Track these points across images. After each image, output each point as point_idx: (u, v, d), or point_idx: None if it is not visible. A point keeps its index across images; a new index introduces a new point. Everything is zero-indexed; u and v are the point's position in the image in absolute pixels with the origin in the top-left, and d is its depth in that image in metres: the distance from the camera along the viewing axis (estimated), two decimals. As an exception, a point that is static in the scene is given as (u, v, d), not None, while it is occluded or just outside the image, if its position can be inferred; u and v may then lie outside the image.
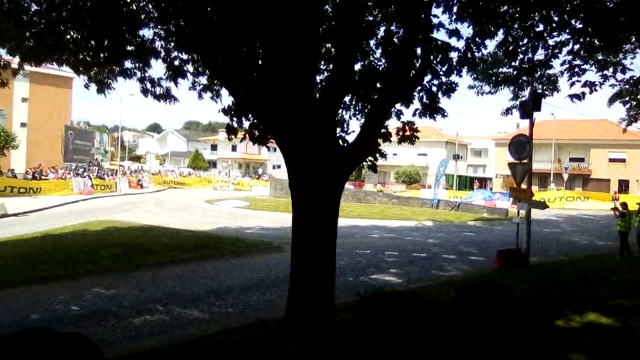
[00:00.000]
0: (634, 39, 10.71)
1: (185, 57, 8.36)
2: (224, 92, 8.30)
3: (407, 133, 6.91)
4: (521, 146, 13.02)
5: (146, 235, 16.28)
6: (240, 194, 42.52)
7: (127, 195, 37.60)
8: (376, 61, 7.34)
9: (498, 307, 1.07)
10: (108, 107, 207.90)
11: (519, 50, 8.16)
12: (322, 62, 7.62)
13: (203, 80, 8.50)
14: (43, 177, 35.54)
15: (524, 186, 13.44)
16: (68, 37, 7.80)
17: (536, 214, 18.10)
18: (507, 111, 11.89)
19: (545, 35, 8.28)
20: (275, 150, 62.29)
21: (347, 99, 7.28)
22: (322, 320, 6.17)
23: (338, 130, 7.21)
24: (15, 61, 8.71)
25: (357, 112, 7.48)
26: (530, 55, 8.79)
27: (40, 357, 0.72)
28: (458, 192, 44.04)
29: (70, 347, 0.76)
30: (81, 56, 8.07)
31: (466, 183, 55.67)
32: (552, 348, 5.56)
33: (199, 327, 7.80)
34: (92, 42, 7.76)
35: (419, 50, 6.35)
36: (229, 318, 8.40)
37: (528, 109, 12.21)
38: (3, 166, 37.21)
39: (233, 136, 7.39)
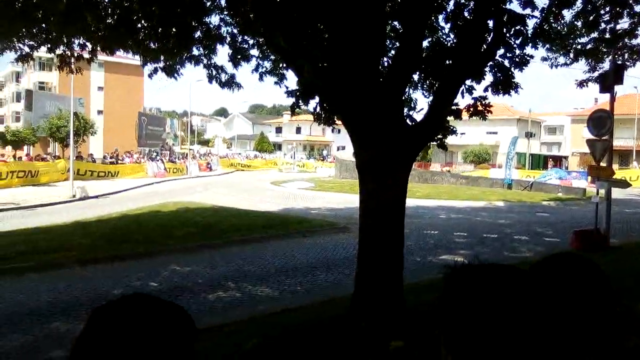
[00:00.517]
0: None
1: (250, 41, 8.47)
2: (289, 74, 8.34)
3: (479, 108, 6.65)
4: (601, 122, 12.25)
5: (217, 215, 16.83)
6: (305, 176, 42.95)
7: (197, 178, 38.94)
8: (445, 37, 7.09)
9: (587, 282, 0.99)
10: (176, 94, 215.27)
11: (600, 19, 7.60)
12: (389, 40, 7.46)
13: (267, 64, 8.56)
14: (119, 162, 37.49)
15: (603, 164, 12.69)
16: (139, 26, 8.08)
17: (617, 193, 17.06)
18: (582, 84, 11.19)
19: (631, 1, 7.66)
20: (339, 132, 62.30)
21: (415, 76, 7.11)
22: (391, 299, 6.14)
23: (405, 109, 7.08)
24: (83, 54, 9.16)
25: (425, 90, 7.29)
26: (612, 25, 8.17)
27: (144, 320, 0.75)
28: (530, 171, 42.26)
29: (168, 314, 0.79)
30: (149, 44, 8.35)
31: (539, 162, 53.25)
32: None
33: (269, 304, 8.01)
34: (160, 31, 8.00)
35: (490, 23, 6.08)
36: (297, 296, 8.57)
37: (609, 82, 11.44)
38: (83, 152, 39.56)
39: (294, 114, 7.44)
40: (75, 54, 8.78)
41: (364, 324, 5.98)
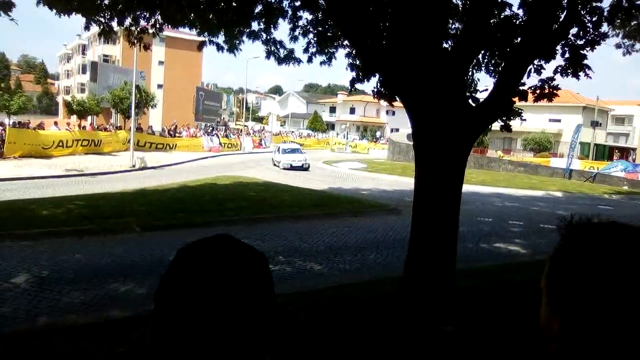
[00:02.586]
0: None
1: (309, 17, 8.40)
2: (339, 54, 8.26)
3: (546, 91, 6.34)
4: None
5: (268, 190, 17.06)
6: (357, 157, 42.79)
7: (251, 153, 39.55)
8: (514, 14, 6.76)
9: None
10: (234, 70, 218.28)
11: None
12: (454, 20, 7.21)
13: (318, 42, 8.47)
14: (177, 135, 38.52)
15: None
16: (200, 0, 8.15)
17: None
18: None
19: None
20: (394, 113, 61.53)
21: (479, 56, 6.85)
22: (443, 283, 6.04)
23: (467, 90, 6.85)
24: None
25: (489, 70, 7.01)
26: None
27: (231, 260, 0.76)
28: (594, 162, 40.36)
29: (252, 257, 0.80)
30: (210, 19, 8.41)
31: (604, 153, 50.69)
32: None
33: (318, 280, 8.06)
34: (219, 6, 8.05)
35: (564, 0, 5.74)
36: (347, 274, 8.58)
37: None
38: (143, 124, 40.85)
39: (353, 88, 7.37)
40: (140, 28, 8.99)
41: (414, 304, 5.92)
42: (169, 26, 9.37)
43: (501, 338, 4.79)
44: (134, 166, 23.64)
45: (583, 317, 0.72)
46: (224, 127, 52.85)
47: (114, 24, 8.54)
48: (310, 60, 8.22)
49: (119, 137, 31.44)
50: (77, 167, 21.93)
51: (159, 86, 61.41)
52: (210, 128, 49.65)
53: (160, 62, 63.19)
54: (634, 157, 50.30)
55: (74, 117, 42.66)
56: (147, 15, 8.71)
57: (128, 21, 8.73)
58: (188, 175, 21.09)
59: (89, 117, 46.06)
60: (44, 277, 7.56)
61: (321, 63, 8.20)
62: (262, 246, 10.07)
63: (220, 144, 39.51)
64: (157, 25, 8.84)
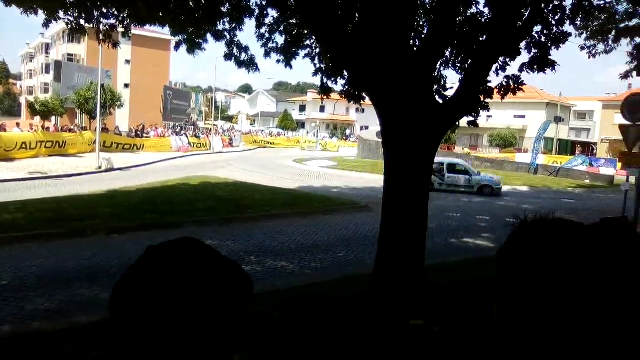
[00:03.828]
0: None
1: (275, 14, 8.37)
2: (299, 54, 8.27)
3: (511, 87, 6.46)
4: (636, 106, 11.84)
5: (239, 190, 16.93)
6: (327, 155, 42.89)
7: (220, 153, 39.17)
8: (480, 12, 6.87)
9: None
10: (202, 69, 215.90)
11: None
12: (422, 16, 7.27)
13: (279, 39, 8.45)
14: (145, 135, 37.86)
15: (636, 151, 12.31)
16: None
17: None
18: (626, 75, 10.84)
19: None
20: (363, 111, 61.86)
21: (446, 53, 6.93)
22: (413, 278, 6.10)
23: (435, 87, 6.93)
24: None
25: (456, 67, 7.10)
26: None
27: (197, 263, 0.72)
28: (557, 157, 41.46)
29: (231, 268, 0.76)
30: (179, 17, 8.28)
31: (567, 148, 52.19)
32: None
33: (289, 279, 8.04)
34: (191, 3, 7.94)
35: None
36: (318, 272, 8.59)
37: (647, 64, 11.03)
38: (109, 124, 40.01)
39: (326, 96, 7.41)
40: (109, 26, 8.79)
41: (384, 300, 5.96)
42: (137, 25, 9.20)
43: (469, 332, 4.87)
44: (100, 168, 23.13)
45: (516, 311, 0.74)
46: (192, 127, 52.22)
47: (82, 21, 8.34)
48: (267, 55, 8.18)
49: (85, 138, 30.72)
50: (40, 169, 21.33)
51: (126, 85, 60.28)
52: (179, 128, 48.99)
53: (127, 61, 62.00)
54: (595, 151, 51.88)
55: (37, 118, 41.46)
56: (116, 13, 8.53)
57: (95, 19, 8.54)
58: (156, 176, 20.76)
59: (53, 118, 44.84)
60: (5, 284, 7.32)
61: (278, 61, 8.16)
62: (232, 246, 9.99)
63: (189, 143, 39.02)
64: (125, 24, 8.67)
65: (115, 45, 9.13)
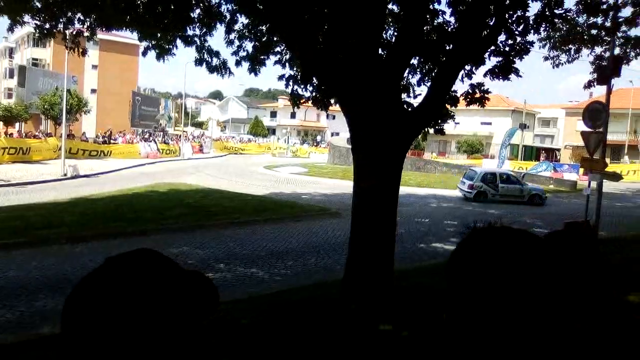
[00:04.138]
0: None
1: (245, 21, 8.36)
2: (269, 62, 8.30)
3: (477, 95, 6.60)
4: (596, 113, 12.23)
5: (209, 197, 16.76)
6: (298, 161, 42.87)
7: (190, 160, 38.73)
8: (446, 21, 7.01)
9: (590, 260, 0.99)
10: (172, 75, 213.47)
11: (601, 7, 7.53)
12: (390, 25, 7.38)
13: (249, 45, 8.46)
14: (112, 141, 37.19)
15: (596, 157, 12.70)
16: (138, 1, 7.92)
17: (608, 187, 17.17)
18: (589, 84, 11.20)
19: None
20: (334, 117, 62.14)
21: (414, 61, 7.04)
22: (382, 283, 6.14)
23: (404, 95, 7.02)
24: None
25: (424, 76, 7.22)
26: (614, 13, 8.12)
27: (154, 274, 0.70)
28: (523, 162, 42.41)
29: (193, 279, 0.75)
30: (147, 21, 8.18)
31: (532, 154, 53.44)
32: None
33: (259, 286, 7.99)
34: (159, 8, 7.86)
35: (492, 8, 6.01)
36: (288, 279, 8.56)
37: (606, 74, 11.40)
38: (75, 130, 39.18)
39: (296, 105, 7.44)
40: (77, 31, 8.62)
41: (354, 306, 5.98)
42: (103, 29, 9.06)
43: (435, 336, 4.92)
44: (65, 175, 22.59)
45: (460, 308, 0.77)
46: (162, 133, 51.53)
47: (47, 26, 8.16)
48: (238, 64, 8.16)
49: (50, 144, 30.00)
50: (3, 176, 20.71)
51: (93, 91, 59.02)
52: (148, 134, 48.27)
53: (94, 66, 60.72)
54: (558, 157, 53.29)
55: (0, 124, 40.28)
56: (83, 18, 8.37)
57: (61, 24, 8.37)
58: (124, 183, 20.38)
59: (17, 124, 43.61)
60: (-36, 295, 7.08)
61: (248, 70, 8.14)
62: (202, 254, 9.88)
63: (158, 150, 38.48)
64: (91, 28, 8.52)
65: (84, 53, 8.97)
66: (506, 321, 0.72)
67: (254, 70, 8.35)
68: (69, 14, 8.20)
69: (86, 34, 8.90)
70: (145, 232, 11.29)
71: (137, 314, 0.75)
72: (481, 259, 0.77)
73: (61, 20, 8.25)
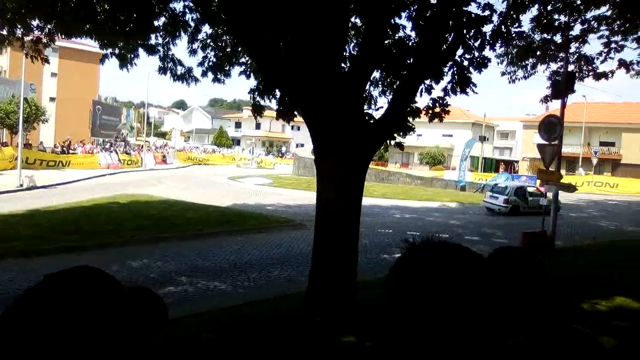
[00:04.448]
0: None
1: (209, 31, 8.33)
2: (234, 72, 8.28)
3: (437, 110, 6.75)
4: (552, 127, 12.70)
5: (171, 209, 16.49)
6: (263, 172, 42.72)
7: (153, 170, 38.07)
8: (407, 36, 7.16)
9: (528, 274, 1.04)
10: (135, 84, 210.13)
11: (554, 24, 7.86)
12: (353, 36, 7.48)
13: (212, 55, 8.40)
14: (71, 151, 36.22)
15: (552, 169, 13.15)
16: (99, 9, 7.79)
17: (563, 198, 17.72)
18: (545, 99, 11.61)
19: (582, 8, 7.98)
20: (299, 128, 62.23)
21: (376, 74, 7.15)
22: (345, 295, 6.16)
23: (365, 107, 7.11)
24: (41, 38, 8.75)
25: (385, 89, 7.34)
26: (565, 32, 8.49)
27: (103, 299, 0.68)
28: (483, 174, 43.45)
29: (136, 297, 0.73)
30: (108, 29, 8.04)
31: (492, 165, 54.83)
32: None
33: (222, 299, 7.89)
34: (121, 16, 7.74)
35: (451, 24, 6.17)
36: (251, 291, 8.48)
37: (561, 89, 11.86)
38: (33, 140, 37.99)
39: (259, 115, 7.44)
40: (36, 38, 8.40)
41: (318, 318, 5.97)
42: (62, 36, 8.85)
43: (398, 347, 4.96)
44: (21, 186, 21.82)
45: (396, 320, 0.80)
46: (123, 143, 50.50)
47: (4, 32, 7.92)
48: (204, 74, 8.11)
49: (5, 154, 28.97)
50: (-48, 187, 19.87)
51: (52, 99, 57.33)
52: (109, 144, 47.23)
53: (54, 74, 59.04)
54: (517, 169, 54.81)
55: (-50, 133, 38.65)
56: (42, 25, 8.16)
57: (19, 31, 8.14)
58: (83, 195, 19.84)
59: (-31, 133, 41.96)
60: None
61: (213, 80, 8.09)
62: (163, 267, 9.70)
63: (119, 160, 37.66)
64: (50, 35, 8.32)
65: (46, 61, 8.74)
66: (436, 337, 0.75)
67: (218, 79, 8.31)
68: (27, 20, 7.99)
69: (44, 40, 8.68)
70: (104, 246, 11.02)
71: (75, 331, 0.73)
72: (414, 275, 0.79)
73: (18, 27, 8.03)
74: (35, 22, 8.16)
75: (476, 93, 6.63)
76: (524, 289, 1.31)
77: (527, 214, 20.81)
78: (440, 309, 0.76)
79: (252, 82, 8.11)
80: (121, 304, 0.79)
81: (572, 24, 7.64)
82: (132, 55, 8.60)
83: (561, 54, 10.23)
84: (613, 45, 8.98)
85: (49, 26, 8.08)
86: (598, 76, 9.54)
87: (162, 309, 0.84)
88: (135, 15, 7.70)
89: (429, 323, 0.76)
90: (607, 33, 8.94)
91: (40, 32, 8.33)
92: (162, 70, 8.35)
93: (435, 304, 0.77)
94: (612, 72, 9.31)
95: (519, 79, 10.95)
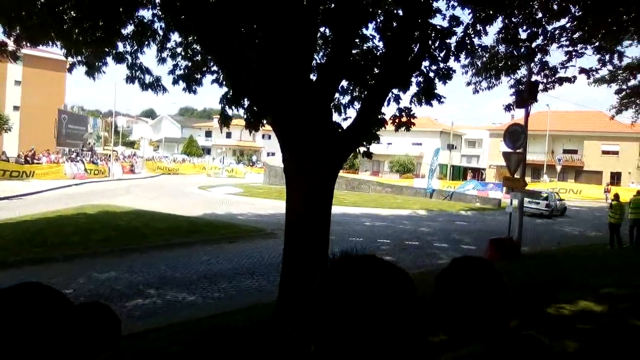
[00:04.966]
0: (632, 30, 10.66)
1: (178, 39, 8.27)
2: (206, 80, 8.22)
3: (404, 119, 6.86)
4: (516, 135, 13.03)
5: (139, 219, 16.21)
6: (234, 181, 42.43)
7: (120, 180, 37.40)
8: (374, 46, 7.27)
9: (485, 283, 1.08)
10: (102, 92, 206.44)
11: (518, 36, 8.10)
12: (321, 46, 7.55)
13: (183, 63, 8.34)
14: (35, 161, 35.29)
15: (517, 176, 13.46)
16: (65, 17, 7.65)
17: (528, 205, 18.16)
18: (509, 107, 11.89)
19: (544, 22, 8.26)
20: (270, 137, 62.11)
21: (344, 83, 7.23)
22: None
23: (335, 116, 7.18)
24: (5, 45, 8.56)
25: (354, 98, 7.42)
26: (528, 43, 8.75)
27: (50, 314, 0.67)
28: (451, 182, 44.18)
29: (86, 312, 0.73)
30: (74, 37, 7.92)
31: (460, 173, 55.81)
32: (543, 334, 5.54)
33: (191, 311, 7.80)
34: (86, 24, 7.63)
35: (417, 35, 6.30)
36: (222, 302, 8.41)
37: (524, 97, 12.17)
38: (-5, 149, 36.91)
39: (225, 126, 7.42)
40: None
41: (290, 328, 5.96)
42: (27, 44, 8.66)
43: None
44: (-19, 197, 21.17)
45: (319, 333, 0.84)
46: (90, 153, 49.49)
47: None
48: (176, 82, 8.00)
49: (-36, 164, 28.06)
50: None
51: (16, 108, 55.84)
52: (75, 154, 46.22)
53: (17, 82, 57.55)
54: (484, 176, 55.90)
55: None
56: (7, 30, 7.97)
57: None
58: (48, 206, 19.33)
59: None
60: None
61: (184, 89, 8.00)
62: (130, 278, 9.53)
63: (85, 170, 36.87)
64: (17, 41, 8.12)
65: (17, 58, 8.52)
66: (357, 350, 0.80)
67: (190, 89, 8.21)
68: None
69: (11, 46, 8.48)
70: (69, 258, 10.76)
71: (18, 348, 0.73)
72: (330, 290, 0.84)
73: None
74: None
75: (442, 103, 6.78)
76: (481, 298, 1.37)
77: (553, 216, 25.55)
78: (355, 323, 0.81)
79: (224, 90, 8.09)
80: (68, 319, 0.79)
81: (536, 37, 7.89)
82: (100, 64, 8.48)
83: (523, 65, 10.52)
84: (574, 53, 9.30)
85: (13, 33, 7.90)
86: (561, 81, 9.88)
87: (115, 323, 0.84)
88: (102, 22, 7.60)
89: (346, 337, 0.81)
90: (567, 43, 9.27)
91: (5, 36, 8.14)
92: (130, 79, 8.22)
93: (349, 318, 0.81)
94: (575, 77, 9.66)
95: (483, 90, 11.22)
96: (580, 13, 8.27)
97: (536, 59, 9.70)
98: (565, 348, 5.14)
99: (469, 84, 10.86)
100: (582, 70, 9.39)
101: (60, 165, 36.15)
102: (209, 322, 7.02)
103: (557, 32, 8.99)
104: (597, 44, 9.62)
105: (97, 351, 0.80)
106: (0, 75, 43.59)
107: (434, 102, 6.73)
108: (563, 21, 8.79)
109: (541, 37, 8.23)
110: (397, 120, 7.00)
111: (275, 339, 5.79)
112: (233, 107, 7.04)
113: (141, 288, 8.90)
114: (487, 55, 9.64)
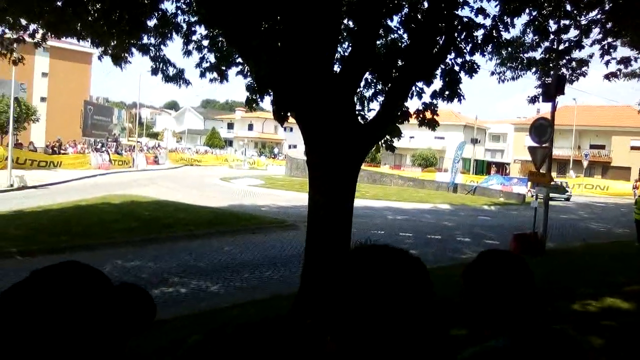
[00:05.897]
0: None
1: (204, 32, 8.31)
2: (231, 72, 8.24)
3: (429, 116, 6.80)
4: (542, 129, 12.79)
5: (163, 209, 16.44)
6: (255, 173, 42.67)
7: (144, 171, 37.92)
8: (399, 38, 7.19)
9: (514, 277, 1.07)
10: (127, 84, 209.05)
11: (548, 29, 7.94)
12: (345, 38, 7.50)
13: (211, 57, 8.37)
14: (62, 151, 36.00)
15: (543, 171, 13.25)
16: (90, 9, 7.76)
17: (554, 200, 17.88)
18: (533, 99, 11.68)
19: (575, 13, 8.09)
20: (291, 130, 62.21)
21: (368, 76, 7.18)
22: (337, 296, 6.18)
23: (358, 108, 7.14)
24: (26, 37, 8.72)
25: (377, 91, 7.37)
26: (559, 36, 8.59)
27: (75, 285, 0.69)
28: (474, 176, 43.64)
29: (124, 292, 0.75)
30: (100, 29, 8.02)
31: (483, 168, 55.06)
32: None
33: (213, 300, 7.89)
34: (112, 16, 7.72)
35: (442, 27, 6.21)
36: (243, 292, 8.49)
37: (551, 92, 11.95)
38: (23, 140, 37.72)
39: (250, 109, 7.44)
40: (19, 37, 8.35)
41: (310, 320, 5.99)
42: (52, 36, 8.81)
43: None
44: (11, 186, 21.68)
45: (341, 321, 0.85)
46: (115, 143, 50.26)
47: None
48: (203, 75, 8.05)
49: (-5, 154, 28.77)
50: (-58, 187, 19.71)
51: (43, 99, 56.96)
52: (100, 144, 46.99)
53: (44, 74, 58.69)
54: (508, 171, 55.13)
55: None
56: (26, 24, 8.12)
57: (4, 27, 8.10)
58: (74, 195, 19.72)
59: (-41, 132, 41.60)
60: None
61: (211, 80, 8.05)
62: (155, 267, 9.68)
63: (110, 160, 37.48)
64: (39, 35, 8.27)
65: (17, 62, 8.69)
66: (374, 339, 0.80)
67: (222, 78, 8.23)
68: (10, 19, 7.94)
69: (30, 40, 8.64)
70: (94, 246, 10.97)
71: (62, 325, 0.75)
72: (355, 277, 0.85)
73: (1, 27, 8.00)
74: (21, 22, 8.12)
75: (460, 102, 6.67)
76: (509, 291, 1.35)
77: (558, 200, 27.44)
78: (367, 312, 0.82)
79: (249, 80, 8.09)
80: (110, 298, 0.81)
81: (567, 29, 7.73)
82: (126, 54, 8.60)
83: (552, 57, 10.31)
84: (607, 46, 9.10)
85: (34, 26, 8.03)
86: (611, 76, 9.75)
87: (150, 304, 0.86)
88: (127, 15, 7.69)
89: (360, 325, 0.83)
90: (600, 37, 9.05)
91: (24, 32, 8.29)
92: (154, 71, 8.31)
93: (361, 306, 0.83)
94: (620, 71, 9.54)
95: (508, 80, 11.05)
96: (610, 5, 8.07)
97: (568, 56, 9.54)
98: (590, 344, 5.06)
99: (493, 73, 10.70)
100: (620, 61, 9.18)
101: (86, 155, 36.81)
102: (230, 311, 7.10)
103: (589, 25, 8.79)
104: (629, 37, 9.39)
105: (135, 329, 0.81)
106: (27, 67, 44.40)
107: (457, 100, 6.64)
108: (593, 13, 8.60)
109: (573, 30, 8.06)
110: (421, 115, 6.93)
111: (294, 331, 5.83)
112: (259, 97, 7.06)
113: (165, 276, 9.04)
114: (514, 44, 9.47)
